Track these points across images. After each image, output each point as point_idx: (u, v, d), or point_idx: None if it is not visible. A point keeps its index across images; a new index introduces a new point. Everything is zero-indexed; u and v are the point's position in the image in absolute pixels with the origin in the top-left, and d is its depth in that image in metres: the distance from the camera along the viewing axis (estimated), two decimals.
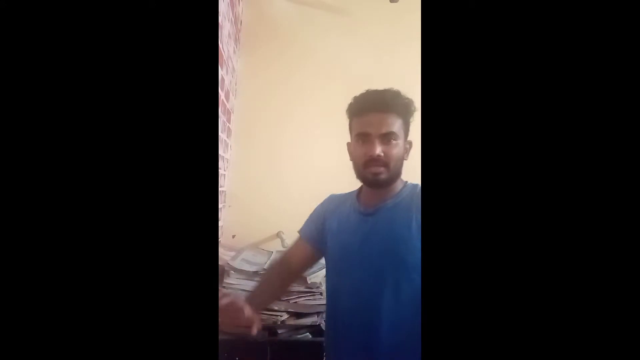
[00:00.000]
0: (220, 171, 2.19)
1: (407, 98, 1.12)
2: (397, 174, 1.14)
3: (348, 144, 1.20)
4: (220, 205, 2.30)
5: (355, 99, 1.14)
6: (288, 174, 2.44)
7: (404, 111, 1.11)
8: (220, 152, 2.15)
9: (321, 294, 1.78)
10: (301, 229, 1.38)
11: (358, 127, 1.11)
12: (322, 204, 1.37)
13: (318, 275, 1.97)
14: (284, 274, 1.33)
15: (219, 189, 2.17)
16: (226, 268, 2.14)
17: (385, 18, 2.57)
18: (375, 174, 1.08)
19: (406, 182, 1.23)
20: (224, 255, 2.33)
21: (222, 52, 2.10)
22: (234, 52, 2.47)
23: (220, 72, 2.10)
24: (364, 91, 1.13)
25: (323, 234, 1.27)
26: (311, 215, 1.38)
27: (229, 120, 2.42)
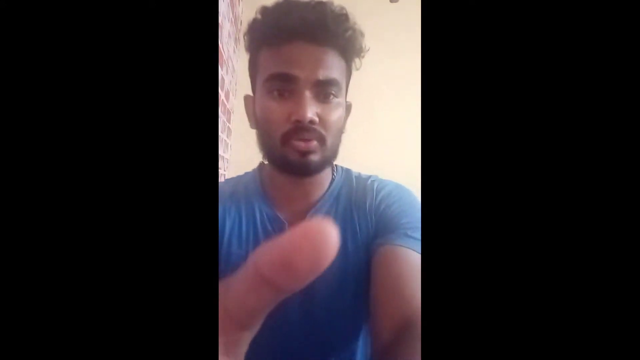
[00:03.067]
0: (220, 171, 2.20)
1: (354, 23, 0.64)
2: (333, 155, 0.66)
3: (247, 97, 0.70)
4: None
5: (266, 11, 0.62)
6: None
7: (349, 47, 0.63)
8: (220, 152, 2.15)
9: None
10: None
11: (273, 64, 0.60)
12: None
13: None
14: None
15: None
16: None
17: (385, 18, 2.57)
18: (304, 152, 0.60)
19: (335, 166, 0.76)
20: None
21: (222, 52, 2.10)
22: (234, 52, 2.47)
23: (220, 72, 2.10)
24: (281, 1, 0.62)
25: None
26: None
27: (229, 120, 2.43)
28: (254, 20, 0.65)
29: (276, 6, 0.62)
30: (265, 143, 0.65)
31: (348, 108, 0.71)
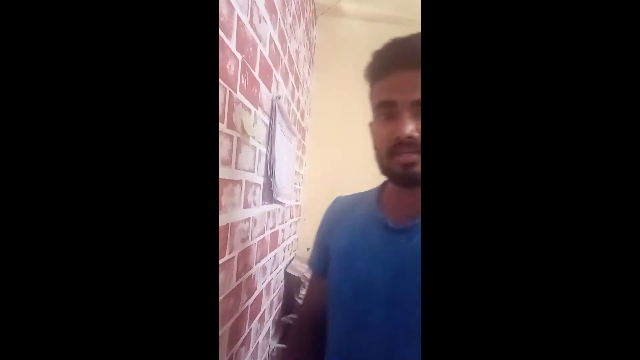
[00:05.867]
0: (296, 186, 2.31)
1: None
2: None
3: (371, 124, 0.83)
4: (295, 219, 2.42)
5: (377, 54, 0.76)
6: (360, 189, 2.46)
7: None
8: (296, 168, 2.27)
9: None
10: (310, 259, 0.98)
11: (379, 94, 0.74)
12: (326, 213, 0.97)
13: None
14: (313, 328, 0.90)
15: (294, 203, 2.28)
16: (302, 280, 2.24)
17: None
18: (406, 164, 0.70)
19: None
20: (300, 267, 2.44)
21: (299, 75, 2.25)
22: (309, 74, 2.62)
23: (297, 94, 2.25)
24: (389, 41, 0.75)
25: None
26: (317, 237, 0.97)
27: (304, 138, 2.56)
28: (370, 63, 0.79)
29: (385, 45, 0.76)
30: (378, 163, 0.78)
31: None
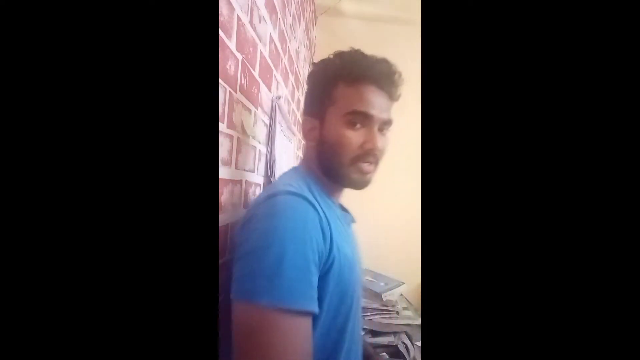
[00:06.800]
0: None
1: (402, 79, 0.80)
2: None
3: (306, 119, 0.84)
4: None
5: (343, 57, 0.78)
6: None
7: (397, 94, 0.80)
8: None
9: (397, 313, 1.69)
10: (291, 299, 0.58)
11: (354, 102, 0.74)
12: (292, 224, 0.62)
13: (394, 293, 1.90)
14: None
15: None
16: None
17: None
18: (366, 172, 0.77)
19: None
20: None
21: (299, 75, 2.24)
22: None
23: (297, 94, 2.25)
24: (353, 50, 0.78)
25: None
26: (294, 259, 0.59)
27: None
28: (329, 59, 0.81)
29: (352, 52, 0.79)
30: (331, 161, 0.79)
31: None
